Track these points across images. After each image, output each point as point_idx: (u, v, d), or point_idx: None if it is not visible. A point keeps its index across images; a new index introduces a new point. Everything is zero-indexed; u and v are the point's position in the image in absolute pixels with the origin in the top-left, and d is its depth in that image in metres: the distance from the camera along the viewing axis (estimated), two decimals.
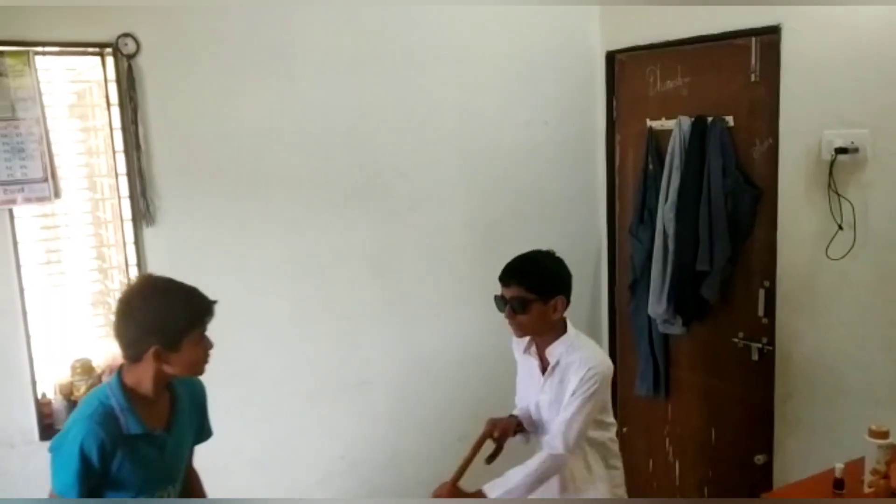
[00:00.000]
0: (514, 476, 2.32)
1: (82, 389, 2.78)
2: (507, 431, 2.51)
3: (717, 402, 3.40)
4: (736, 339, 3.24)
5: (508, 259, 3.58)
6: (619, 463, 2.55)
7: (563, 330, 2.42)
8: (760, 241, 3.11)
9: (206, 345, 1.96)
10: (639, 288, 3.54)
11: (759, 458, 3.20)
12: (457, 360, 3.55)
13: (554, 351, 2.40)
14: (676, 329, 3.41)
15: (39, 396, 2.74)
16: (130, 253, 2.85)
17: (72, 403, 2.77)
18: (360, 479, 3.39)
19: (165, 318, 1.87)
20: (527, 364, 2.54)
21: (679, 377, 3.56)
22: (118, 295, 1.96)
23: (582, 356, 2.34)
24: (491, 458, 2.50)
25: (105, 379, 2.81)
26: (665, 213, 3.29)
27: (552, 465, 2.32)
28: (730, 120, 3.13)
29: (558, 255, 2.48)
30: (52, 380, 2.81)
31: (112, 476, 1.88)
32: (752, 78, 3.04)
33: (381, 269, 3.33)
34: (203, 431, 2.20)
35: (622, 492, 2.54)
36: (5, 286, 2.62)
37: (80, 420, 1.87)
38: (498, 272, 3.56)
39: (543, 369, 2.45)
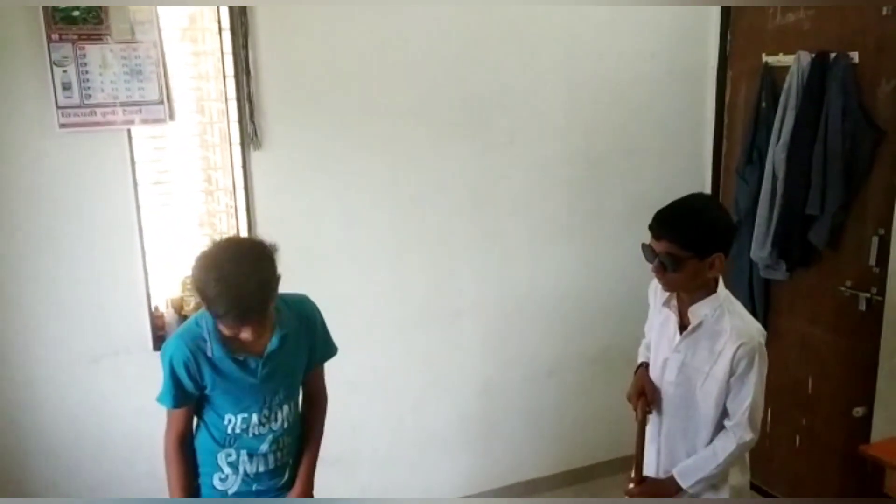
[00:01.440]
0: (706, 465, 2.15)
1: (192, 304, 2.92)
2: (655, 396, 2.30)
3: (817, 351, 3.30)
4: (843, 288, 3.12)
5: (608, 195, 3.55)
6: None
7: (714, 288, 2.14)
8: (878, 186, 2.96)
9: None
10: (742, 230, 3.43)
11: (858, 411, 3.11)
12: (550, 296, 3.56)
13: (698, 310, 2.13)
14: (779, 274, 3.31)
15: (153, 309, 2.90)
16: (237, 176, 2.94)
17: (182, 317, 2.92)
18: (450, 407, 3.48)
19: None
20: (662, 316, 2.28)
21: (778, 324, 3.46)
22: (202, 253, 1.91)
23: (732, 326, 2.09)
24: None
25: None
26: (776, 154, 3.16)
27: (742, 450, 2.15)
28: (854, 56, 2.94)
29: (717, 201, 2.23)
30: (163, 294, 2.97)
31: (206, 394, 1.99)
32: (884, 11, 2.83)
33: (480, 201, 3.32)
34: (323, 349, 2.23)
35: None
36: (124, 204, 2.75)
37: (174, 337, 1.99)
38: (597, 207, 3.54)
39: (682, 327, 2.20)
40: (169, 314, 2.92)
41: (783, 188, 3.14)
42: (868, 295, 3.03)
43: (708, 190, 3.73)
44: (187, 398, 2.01)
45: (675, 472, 2.19)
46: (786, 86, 3.13)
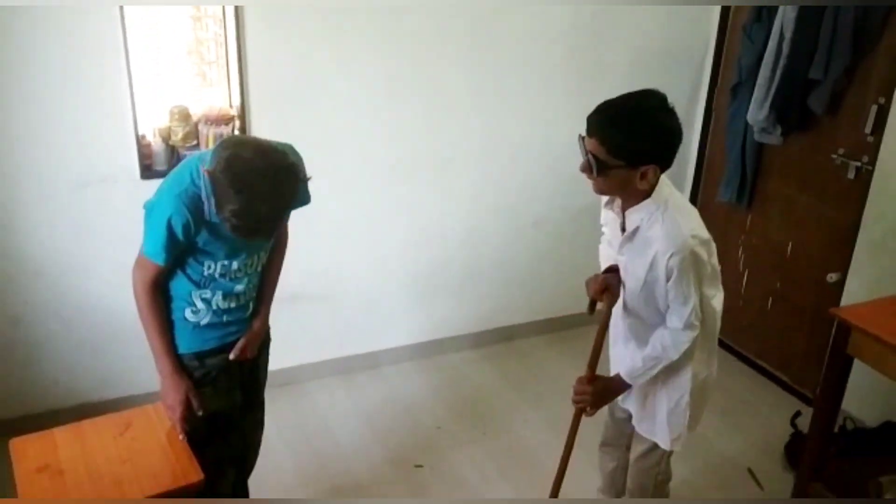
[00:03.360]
0: (656, 364, 2.05)
1: (179, 135, 2.88)
2: (616, 289, 2.13)
3: (800, 216, 3.34)
4: (835, 156, 3.12)
5: (609, 46, 3.44)
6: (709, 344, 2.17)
7: (649, 193, 1.94)
8: (885, 54, 2.90)
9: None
10: (741, 91, 3.38)
11: (832, 276, 3.19)
12: (542, 148, 3.54)
13: (633, 216, 1.98)
14: (773, 139, 3.29)
15: (140, 137, 2.85)
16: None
17: (170, 147, 2.89)
18: (435, 252, 3.54)
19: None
20: (609, 216, 2.13)
21: (765, 188, 3.49)
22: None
23: (665, 233, 1.90)
24: (592, 309, 2.19)
25: (202, 129, 2.91)
26: (786, 14, 3.06)
27: (693, 346, 2.01)
28: None
29: (669, 102, 1.87)
30: (151, 123, 2.91)
31: (198, 248, 1.97)
32: None
33: (477, 46, 3.23)
34: (302, 198, 2.11)
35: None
36: (110, 24, 2.64)
37: (169, 197, 1.89)
38: (597, 59, 3.45)
39: (624, 228, 2.05)
40: (156, 143, 2.88)
41: (789, 49, 3.07)
42: (858, 164, 3.03)
43: (712, 46, 3.63)
44: (176, 255, 1.97)
45: (623, 373, 2.11)
46: None
